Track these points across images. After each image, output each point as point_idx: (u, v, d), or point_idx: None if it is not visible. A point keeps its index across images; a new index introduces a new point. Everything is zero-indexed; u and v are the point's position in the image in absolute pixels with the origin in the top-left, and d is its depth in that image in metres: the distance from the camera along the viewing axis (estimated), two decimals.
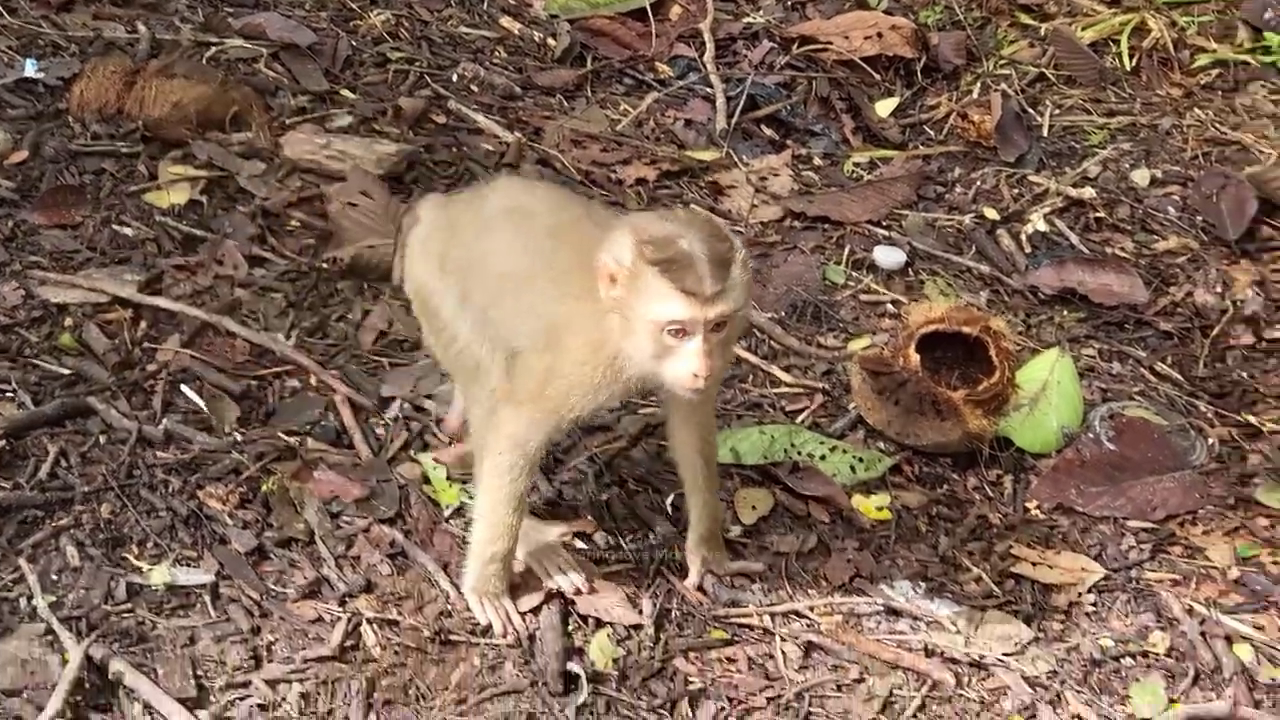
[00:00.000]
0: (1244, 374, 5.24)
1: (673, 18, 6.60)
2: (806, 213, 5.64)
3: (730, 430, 4.60)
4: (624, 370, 3.67)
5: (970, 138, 6.21)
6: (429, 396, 4.47)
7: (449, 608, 3.93)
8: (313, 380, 4.49)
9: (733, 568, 4.17)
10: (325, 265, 4.86)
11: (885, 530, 4.43)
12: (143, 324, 4.53)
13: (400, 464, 4.30)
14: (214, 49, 5.66)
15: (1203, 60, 6.78)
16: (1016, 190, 5.97)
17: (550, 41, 6.27)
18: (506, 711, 3.73)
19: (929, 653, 4.07)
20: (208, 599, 3.85)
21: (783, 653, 4.02)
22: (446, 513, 4.18)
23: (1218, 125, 6.46)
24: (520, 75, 6.07)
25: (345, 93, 5.66)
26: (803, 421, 4.76)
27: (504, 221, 3.86)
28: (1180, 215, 5.95)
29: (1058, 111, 6.42)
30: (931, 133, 6.26)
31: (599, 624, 3.97)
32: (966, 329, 4.72)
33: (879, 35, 6.47)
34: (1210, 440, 4.90)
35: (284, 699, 3.67)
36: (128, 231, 4.82)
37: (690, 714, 3.82)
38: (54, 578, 3.80)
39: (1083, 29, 6.78)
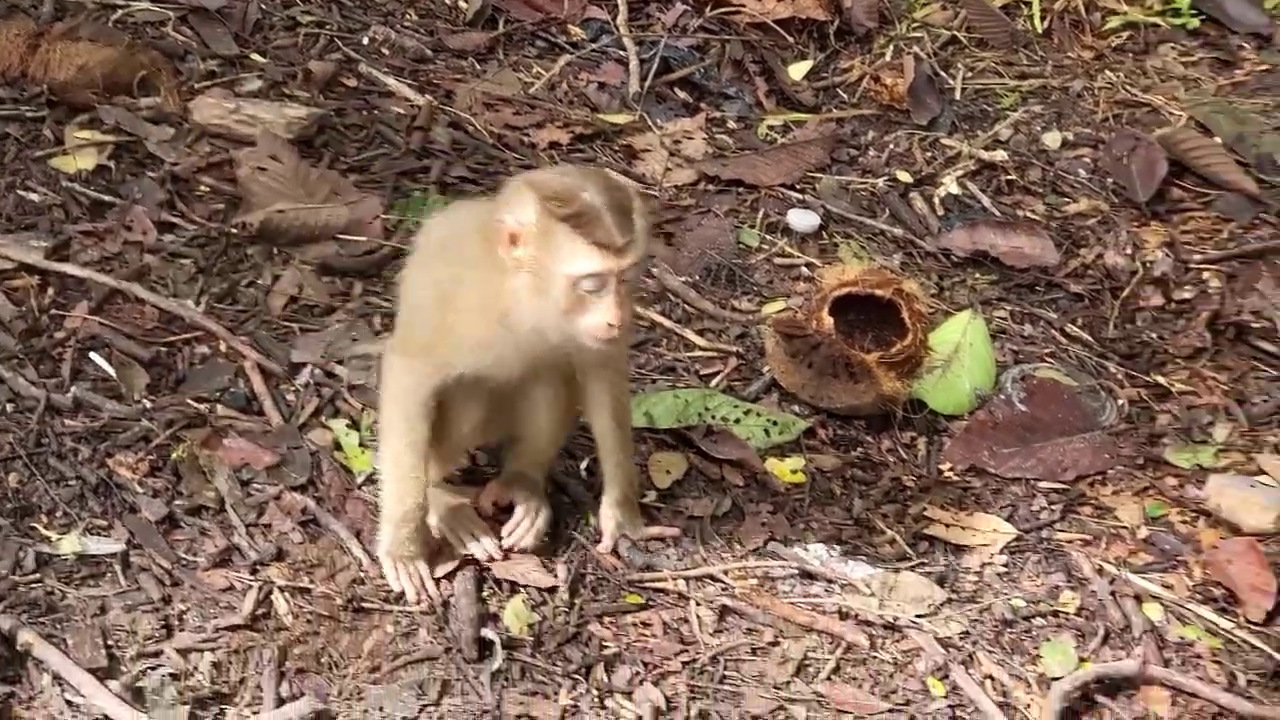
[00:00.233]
0: (1153, 335, 5.28)
1: None
2: (720, 176, 5.63)
3: (644, 394, 4.60)
4: (517, 328, 3.67)
5: (883, 101, 6.22)
6: (339, 362, 4.44)
7: (361, 575, 3.92)
8: (222, 347, 4.45)
9: (648, 532, 4.17)
10: (235, 230, 4.81)
11: (799, 493, 4.44)
12: (50, 291, 4.47)
13: (311, 430, 4.27)
14: (120, 12, 5.57)
15: (1114, 22, 6.82)
16: (929, 153, 5.98)
17: (462, 4, 6.21)
18: (420, 679, 3.72)
19: (843, 615, 4.08)
20: (118, 568, 3.81)
21: (697, 616, 4.02)
22: (358, 480, 4.15)
23: (1128, 87, 6.50)
24: (432, 38, 6.02)
25: (255, 56, 5.60)
26: (717, 385, 4.76)
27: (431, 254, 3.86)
28: (1091, 177, 5.98)
29: (970, 74, 6.44)
30: (845, 96, 6.26)
31: (514, 589, 3.97)
32: (879, 292, 4.73)
33: None
34: (1120, 401, 4.94)
35: (196, 668, 3.65)
36: (34, 197, 4.75)
37: (605, 679, 3.82)
38: None
39: None
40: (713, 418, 4.57)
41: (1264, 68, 6.73)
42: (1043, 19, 6.74)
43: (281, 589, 3.84)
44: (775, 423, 4.61)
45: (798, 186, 5.67)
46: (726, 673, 3.91)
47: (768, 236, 5.41)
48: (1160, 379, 5.08)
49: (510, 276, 3.61)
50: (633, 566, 4.11)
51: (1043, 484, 4.63)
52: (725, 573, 4.14)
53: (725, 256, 5.26)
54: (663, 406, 4.55)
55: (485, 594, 3.93)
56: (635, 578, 4.08)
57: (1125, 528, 4.51)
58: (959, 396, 4.82)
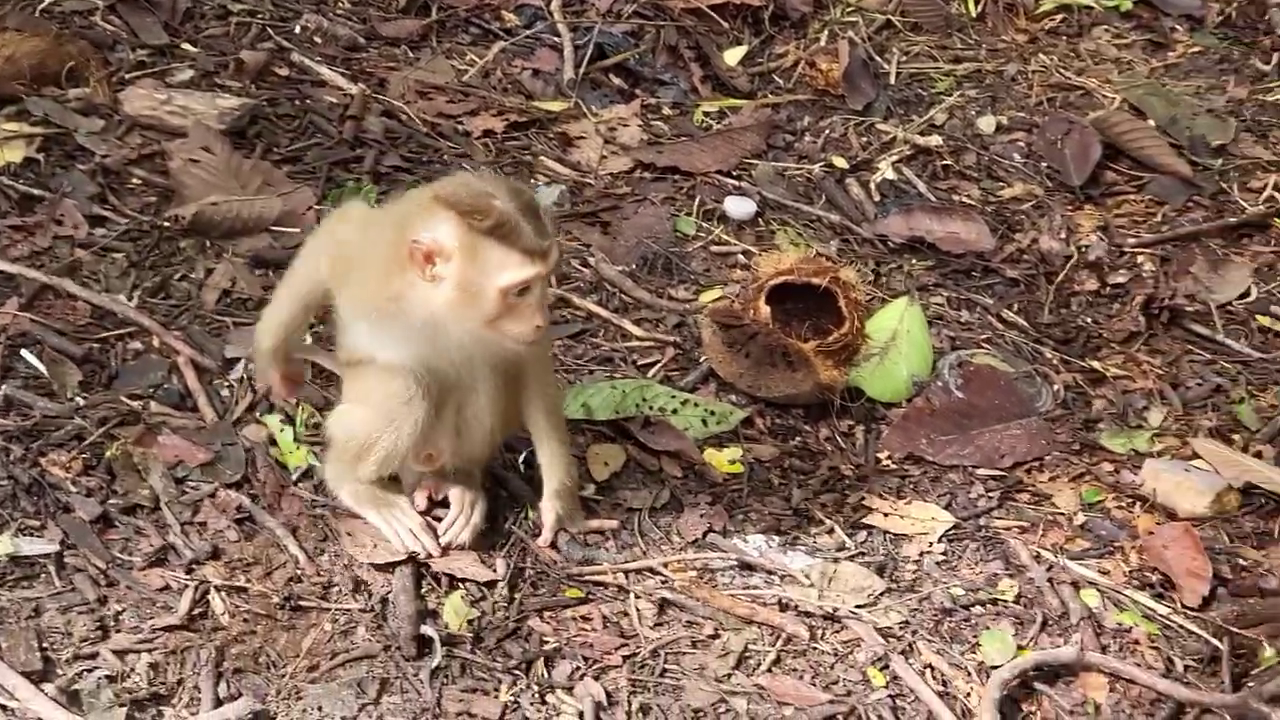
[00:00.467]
0: (1088, 319, 5.30)
1: None
2: (656, 164, 5.61)
3: (581, 386, 4.58)
4: (437, 336, 3.78)
5: (818, 86, 6.21)
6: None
7: (298, 572, 3.89)
8: (156, 342, 4.41)
9: (588, 526, 4.16)
10: (167, 224, 4.77)
11: (738, 484, 4.44)
12: None
13: (245, 426, 4.24)
14: (48, 0, 5.51)
15: (1047, 5, 6.84)
16: (865, 139, 5.98)
17: None
18: (359, 677, 3.70)
19: (783, 606, 4.09)
20: (52, 569, 3.78)
21: (637, 610, 4.02)
22: (294, 476, 4.13)
23: (1062, 70, 6.52)
24: (364, 26, 5.97)
25: (186, 46, 5.54)
26: (654, 375, 4.75)
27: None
28: (1025, 162, 6.00)
29: (904, 59, 6.44)
30: (780, 81, 6.25)
31: (453, 584, 3.95)
32: (816, 280, 4.73)
33: None
34: (1056, 386, 4.96)
35: (133, 669, 3.62)
36: None
37: (546, 674, 3.81)
38: None
39: None
40: (650, 408, 4.56)
41: (1196, 49, 6.77)
42: (976, 2, 6.76)
43: (218, 588, 3.82)
44: (713, 413, 4.61)
45: (734, 173, 5.66)
46: (667, 666, 3.90)
47: (704, 224, 5.40)
48: (1095, 364, 5.10)
49: (423, 290, 3.63)
50: (572, 560, 4.10)
51: (980, 471, 4.64)
52: (665, 565, 4.13)
53: (662, 245, 5.24)
54: (600, 398, 4.54)
55: (424, 590, 3.92)
56: (575, 571, 4.07)
57: (1062, 514, 4.53)
58: (897, 384, 4.83)
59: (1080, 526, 4.49)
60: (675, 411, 4.58)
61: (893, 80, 6.31)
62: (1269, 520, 4.58)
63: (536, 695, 3.75)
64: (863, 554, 4.29)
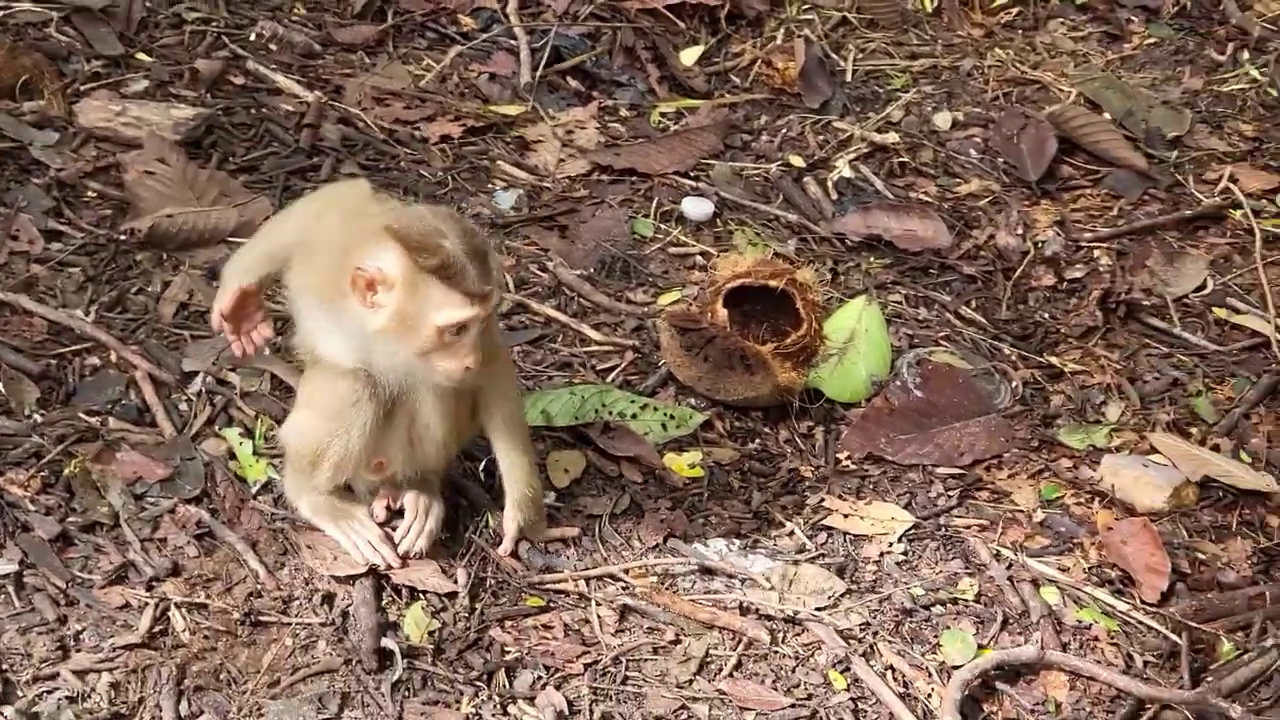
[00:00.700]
0: (1046, 315, 5.32)
1: None
2: (614, 166, 5.62)
3: (541, 392, 4.59)
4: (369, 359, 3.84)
5: (775, 85, 6.22)
6: (232, 369, 4.41)
7: (258, 587, 3.90)
8: (113, 357, 4.41)
9: (549, 535, 4.17)
10: (123, 237, 4.76)
11: (698, 488, 4.45)
12: None
13: (205, 440, 4.24)
14: (1, 13, 5.49)
15: None
16: (822, 137, 6.00)
17: None
18: (320, 692, 3.71)
19: (744, 610, 4.10)
20: (11, 589, 3.78)
21: (598, 617, 4.03)
22: (253, 489, 4.13)
23: (1018, 65, 6.54)
24: (320, 32, 5.96)
25: (141, 56, 5.54)
26: (613, 380, 4.76)
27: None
28: (982, 158, 6.01)
29: (860, 56, 6.46)
30: (737, 81, 6.26)
31: (414, 595, 3.96)
32: (772, 283, 4.73)
33: None
34: (1014, 383, 4.98)
35: (93, 689, 3.62)
36: None
37: (507, 684, 3.82)
38: None
39: None
40: (610, 413, 4.57)
41: (1152, 41, 6.79)
42: None
43: (178, 605, 3.82)
44: (672, 416, 4.62)
45: (691, 174, 5.67)
46: (629, 673, 3.92)
47: (662, 226, 5.41)
48: (1053, 359, 5.12)
49: (362, 312, 3.67)
50: (533, 568, 4.11)
51: (940, 470, 4.65)
52: (626, 572, 4.14)
53: (620, 248, 5.25)
54: (560, 404, 4.54)
55: (384, 602, 3.92)
56: (536, 580, 4.08)
57: (1021, 511, 4.55)
58: (856, 384, 4.85)
59: (1039, 523, 4.52)
60: (635, 416, 4.59)
61: (849, 78, 6.33)
62: (1227, 514, 4.61)
63: (498, 706, 3.76)
64: (823, 556, 4.31)
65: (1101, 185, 5.93)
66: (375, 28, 6.05)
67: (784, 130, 6.00)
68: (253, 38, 5.81)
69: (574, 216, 5.36)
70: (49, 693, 3.59)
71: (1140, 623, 4.24)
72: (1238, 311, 5.40)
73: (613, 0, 6.37)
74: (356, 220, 3.76)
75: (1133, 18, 6.91)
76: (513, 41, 6.13)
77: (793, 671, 3.99)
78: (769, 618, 4.09)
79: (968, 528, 4.47)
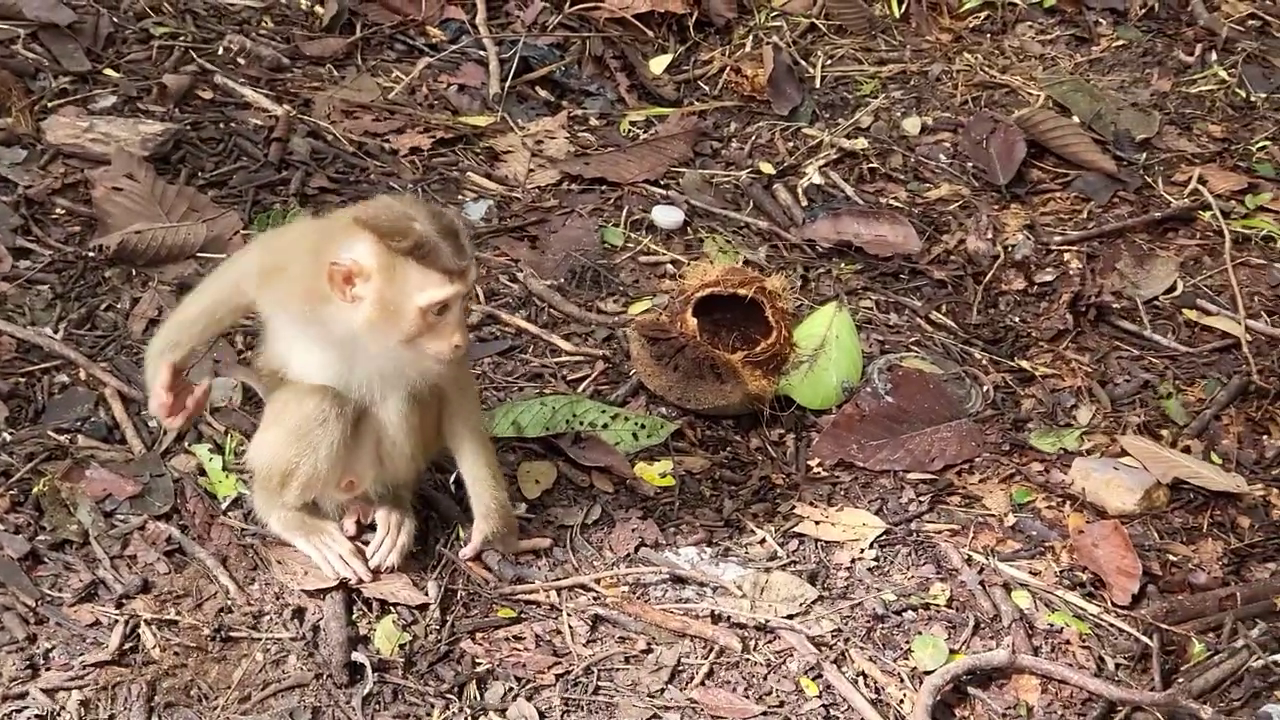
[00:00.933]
0: (1016, 319, 5.33)
1: None
2: (584, 175, 5.62)
3: (512, 403, 4.59)
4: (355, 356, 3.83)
5: (744, 92, 6.23)
6: (178, 438, 4.38)
7: (229, 603, 3.90)
8: (82, 375, 4.41)
9: (519, 547, 4.17)
10: (92, 254, 4.76)
11: (669, 497, 4.45)
12: None
13: (174, 456, 4.24)
14: None
15: (971, 3, 6.87)
16: (791, 143, 6.01)
17: (318, 9, 6.16)
18: (291, 707, 3.71)
19: (715, 619, 4.10)
20: None
21: (570, 627, 4.03)
22: (223, 505, 4.12)
23: (987, 69, 6.56)
24: (288, 45, 5.96)
25: (109, 72, 5.53)
26: (584, 390, 4.76)
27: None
28: (951, 162, 6.03)
29: (829, 62, 6.47)
30: (706, 88, 6.27)
31: (384, 609, 3.96)
32: (742, 291, 4.74)
33: None
34: (985, 387, 4.99)
35: (63, 707, 3.62)
36: None
37: (478, 696, 3.82)
38: None
39: None
40: (580, 424, 4.57)
41: (1120, 43, 6.81)
42: (900, 3, 6.79)
43: (148, 622, 3.82)
44: (643, 426, 4.62)
45: (661, 182, 5.68)
46: (600, 683, 3.92)
47: (632, 235, 5.41)
48: (1024, 363, 5.13)
49: (343, 309, 3.66)
50: (504, 579, 4.11)
51: (911, 475, 4.66)
52: (597, 581, 4.15)
53: (590, 258, 5.25)
54: (530, 415, 4.55)
55: (355, 615, 3.92)
56: (507, 591, 4.08)
57: (993, 515, 4.56)
58: (826, 390, 4.85)
59: (1011, 527, 4.52)
60: (606, 426, 4.59)
61: (818, 84, 6.34)
62: (1197, 515, 4.62)
63: (469, 718, 3.76)
64: (794, 563, 4.31)
65: (1071, 188, 5.95)
66: (344, 40, 6.05)
67: (753, 137, 6.01)
68: (220, 52, 5.81)
69: (544, 226, 5.36)
70: (18, 711, 3.58)
71: (1111, 625, 4.25)
72: (1208, 313, 5.41)
73: (581, 10, 6.37)
74: (321, 224, 3.78)
75: (1100, 20, 6.93)
76: (481, 52, 6.14)
77: (764, 679, 3.99)
78: (741, 626, 4.10)
79: (939, 533, 4.47)
